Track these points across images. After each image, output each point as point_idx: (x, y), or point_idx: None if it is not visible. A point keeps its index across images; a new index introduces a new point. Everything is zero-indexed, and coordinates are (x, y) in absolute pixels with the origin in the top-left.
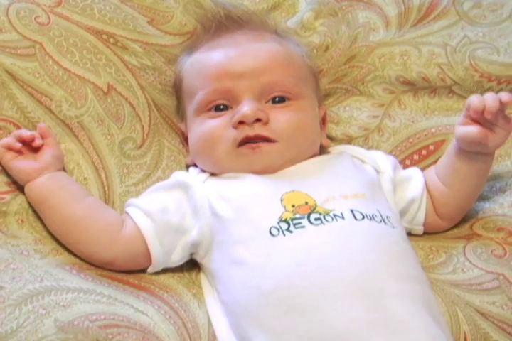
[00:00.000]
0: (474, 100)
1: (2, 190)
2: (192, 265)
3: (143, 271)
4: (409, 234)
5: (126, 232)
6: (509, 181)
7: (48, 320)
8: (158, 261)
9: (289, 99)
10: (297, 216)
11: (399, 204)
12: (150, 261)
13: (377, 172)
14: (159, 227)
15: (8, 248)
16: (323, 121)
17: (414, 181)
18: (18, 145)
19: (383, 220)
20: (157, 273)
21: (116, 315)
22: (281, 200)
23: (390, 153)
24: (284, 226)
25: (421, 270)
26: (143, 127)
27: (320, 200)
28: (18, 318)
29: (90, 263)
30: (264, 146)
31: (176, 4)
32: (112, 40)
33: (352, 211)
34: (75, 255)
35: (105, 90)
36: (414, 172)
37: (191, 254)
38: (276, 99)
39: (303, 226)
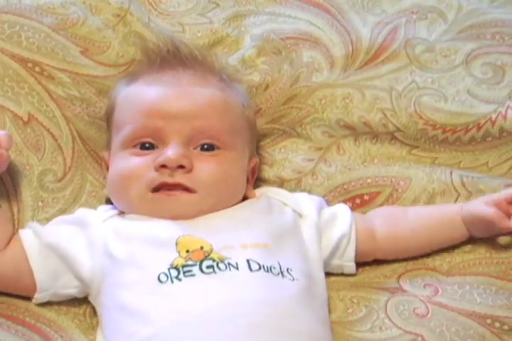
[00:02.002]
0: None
1: None
2: (95, 309)
3: (44, 307)
4: (340, 274)
5: (6, 255)
6: None
7: None
8: (41, 285)
9: (218, 148)
10: (189, 262)
11: (328, 244)
12: (27, 287)
13: (300, 216)
14: (45, 249)
15: None
16: (252, 173)
17: (340, 217)
18: None
19: (281, 273)
20: (58, 313)
21: None
22: (176, 244)
23: (323, 197)
24: (174, 273)
25: (323, 327)
26: (65, 159)
27: (217, 247)
28: None
29: None
30: (182, 195)
31: (115, 35)
32: (37, 68)
33: (248, 261)
34: None
35: (25, 119)
36: (340, 208)
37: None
38: (205, 146)
39: (193, 275)
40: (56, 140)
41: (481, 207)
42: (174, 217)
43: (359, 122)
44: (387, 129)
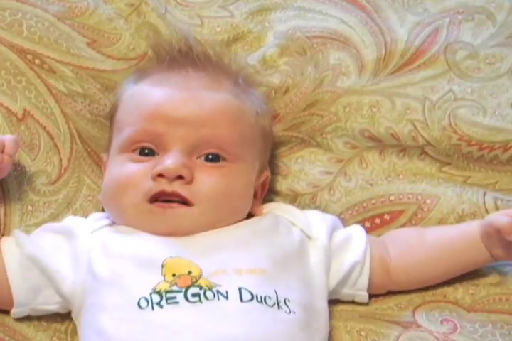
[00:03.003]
0: None
1: None
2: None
3: (22, 322)
4: (349, 303)
5: None
6: None
7: None
8: (19, 300)
9: (224, 160)
10: (174, 288)
11: (339, 271)
12: (5, 301)
13: (308, 238)
14: (25, 262)
15: None
16: (262, 188)
17: (355, 242)
18: None
19: (277, 304)
20: (37, 329)
21: None
22: (162, 266)
23: (339, 215)
24: (156, 298)
25: None
26: (61, 160)
27: (207, 271)
28: None
29: None
30: (178, 208)
31: (127, 26)
32: (37, 61)
33: (240, 290)
34: None
35: (20, 116)
36: (354, 230)
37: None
38: (210, 156)
39: (176, 302)
40: (52, 139)
41: (496, 216)
42: (169, 233)
43: (386, 134)
44: (416, 143)
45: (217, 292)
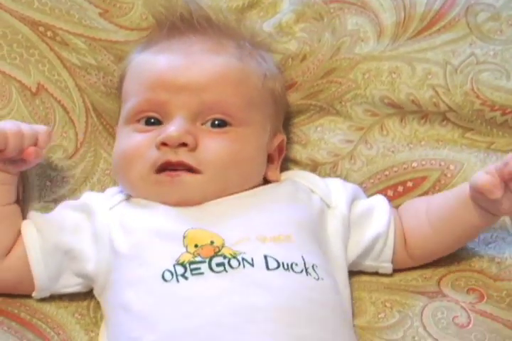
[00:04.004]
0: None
1: None
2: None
3: (43, 300)
4: (373, 274)
5: (11, 255)
6: (495, 233)
7: None
8: (41, 285)
9: (230, 125)
10: (197, 259)
11: (360, 243)
12: (27, 286)
13: (328, 206)
14: (48, 247)
15: None
16: (279, 152)
17: (378, 213)
18: None
19: (306, 270)
20: (58, 307)
21: None
22: (184, 237)
23: (361, 185)
24: (180, 270)
25: (347, 334)
26: (77, 134)
27: (230, 241)
28: None
29: None
30: (185, 176)
31: None
32: (49, 33)
33: (266, 257)
34: None
35: (34, 90)
36: (378, 201)
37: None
38: (216, 122)
39: (201, 273)
40: (68, 113)
41: (477, 175)
42: (180, 203)
43: (407, 100)
44: (438, 109)
45: (242, 259)
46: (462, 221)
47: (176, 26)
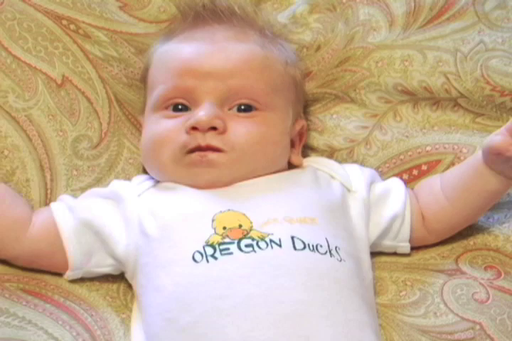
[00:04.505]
0: None
1: None
2: (130, 285)
3: (75, 283)
4: (393, 254)
5: (35, 231)
6: (509, 213)
7: None
8: (75, 262)
9: (256, 109)
10: (226, 240)
11: (379, 223)
12: (59, 265)
13: (348, 190)
14: (80, 226)
15: None
16: (300, 137)
17: (394, 194)
18: None
19: (329, 251)
20: (90, 289)
21: None
22: (213, 221)
23: (377, 169)
24: (210, 251)
25: (371, 312)
26: (101, 124)
27: (258, 223)
28: None
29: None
30: (212, 156)
31: None
32: (72, 26)
33: (293, 238)
34: None
35: (59, 82)
36: (394, 183)
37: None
38: (242, 106)
39: (230, 253)
40: (92, 103)
41: (489, 138)
42: (209, 184)
43: (419, 87)
44: (449, 95)
45: (270, 241)
46: (477, 188)
47: (200, 16)
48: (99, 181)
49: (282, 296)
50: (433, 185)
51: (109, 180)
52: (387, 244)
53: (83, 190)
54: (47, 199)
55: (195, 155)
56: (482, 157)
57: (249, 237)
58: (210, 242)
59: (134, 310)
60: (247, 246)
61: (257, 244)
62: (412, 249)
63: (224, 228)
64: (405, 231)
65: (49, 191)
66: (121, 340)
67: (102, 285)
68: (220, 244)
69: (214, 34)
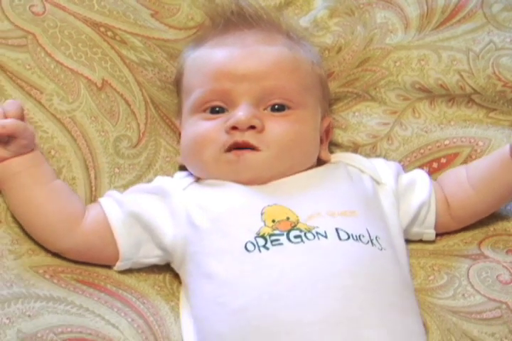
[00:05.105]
0: None
1: None
2: (175, 275)
3: (124, 274)
4: (418, 242)
5: (87, 224)
6: None
7: (10, 330)
8: (125, 253)
9: (289, 108)
10: (276, 232)
11: (408, 212)
12: (110, 256)
13: (377, 183)
14: (128, 219)
15: None
16: (327, 133)
17: (419, 184)
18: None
19: (371, 241)
20: (138, 279)
21: (84, 327)
22: (262, 214)
23: (399, 163)
24: (261, 242)
25: (409, 297)
26: (139, 125)
27: (303, 216)
28: None
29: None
30: (248, 154)
31: None
32: (110, 33)
33: (337, 230)
34: (51, 255)
35: (99, 85)
36: (418, 174)
37: (170, 263)
38: (276, 106)
39: (281, 244)
40: (129, 105)
41: None
42: (250, 180)
43: (435, 84)
44: (464, 91)
45: (317, 233)
46: (503, 180)
47: (230, 22)
48: (139, 178)
49: (330, 282)
50: (459, 175)
51: (148, 177)
52: (415, 230)
53: (125, 187)
54: (92, 196)
55: (232, 155)
56: (509, 151)
57: (298, 228)
58: (261, 234)
59: (181, 297)
60: (295, 237)
61: (305, 235)
62: (436, 236)
63: (273, 221)
64: (431, 218)
65: (93, 188)
66: (173, 326)
67: (149, 275)
68: (270, 235)
69: (245, 38)
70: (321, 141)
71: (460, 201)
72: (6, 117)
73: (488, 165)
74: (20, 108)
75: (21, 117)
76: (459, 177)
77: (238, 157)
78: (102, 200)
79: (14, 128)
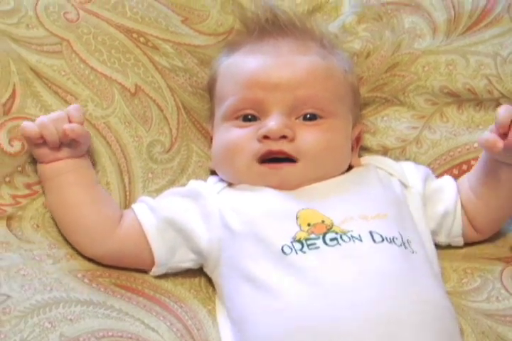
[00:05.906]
0: (501, 113)
1: (19, 193)
2: (209, 279)
3: (160, 278)
4: (449, 246)
5: (122, 230)
6: None
7: (53, 334)
8: (160, 258)
9: (321, 117)
10: (312, 236)
11: (433, 218)
12: (145, 262)
13: (405, 186)
14: (162, 224)
15: (20, 252)
16: (357, 141)
17: (447, 192)
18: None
19: (403, 244)
20: (175, 284)
21: (125, 331)
22: (297, 218)
23: (428, 166)
24: (298, 246)
25: (442, 297)
26: (171, 130)
27: (337, 220)
28: (23, 331)
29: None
30: (287, 168)
31: (213, 3)
32: (142, 39)
33: (371, 233)
34: (89, 259)
35: (132, 91)
36: (447, 181)
37: (203, 267)
38: (308, 115)
39: (317, 247)
40: (162, 111)
41: (480, 136)
42: (280, 186)
43: (463, 89)
44: (492, 96)
45: (352, 236)
46: (499, 181)
47: (266, 30)
48: (172, 183)
49: (367, 282)
50: (462, 186)
51: (181, 182)
52: (441, 240)
53: (158, 191)
54: (126, 201)
55: (267, 168)
56: (486, 153)
57: (333, 231)
58: (298, 238)
59: (217, 301)
60: (331, 239)
61: (341, 237)
62: (466, 243)
63: (308, 224)
64: (457, 227)
65: (128, 193)
66: (211, 329)
67: (184, 279)
68: (306, 239)
69: (279, 47)
70: (352, 148)
71: (471, 211)
72: (70, 121)
73: (478, 171)
74: (83, 113)
75: (83, 122)
76: (463, 189)
77: (276, 170)
78: (135, 206)
79: (80, 133)
